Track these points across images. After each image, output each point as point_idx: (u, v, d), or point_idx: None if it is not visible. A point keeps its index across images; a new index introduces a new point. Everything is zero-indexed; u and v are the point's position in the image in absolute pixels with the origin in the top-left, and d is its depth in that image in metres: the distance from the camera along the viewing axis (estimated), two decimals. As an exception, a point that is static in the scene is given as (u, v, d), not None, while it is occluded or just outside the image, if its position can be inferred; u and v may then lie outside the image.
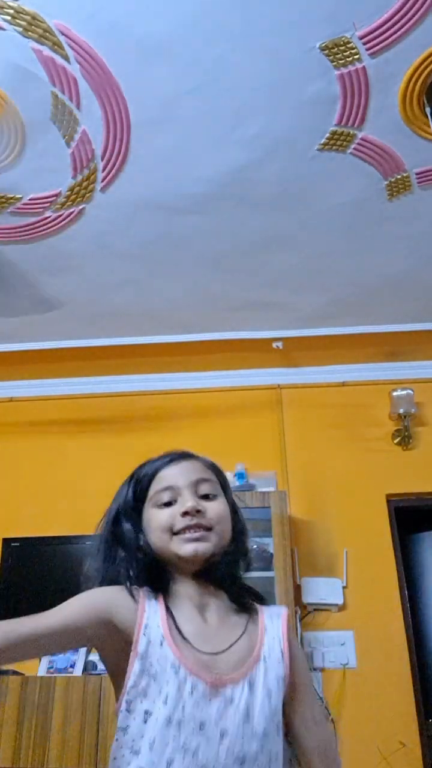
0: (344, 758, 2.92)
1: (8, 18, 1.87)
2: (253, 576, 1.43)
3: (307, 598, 3.02)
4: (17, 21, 1.87)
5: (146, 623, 1.00)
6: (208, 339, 3.33)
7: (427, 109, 2.13)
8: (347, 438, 3.45)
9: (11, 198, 2.46)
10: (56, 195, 2.45)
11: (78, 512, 3.31)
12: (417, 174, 2.40)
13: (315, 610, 3.05)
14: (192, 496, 1.09)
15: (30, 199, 2.47)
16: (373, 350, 3.49)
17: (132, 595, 1.04)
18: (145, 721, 0.94)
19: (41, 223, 2.58)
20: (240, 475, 3.22)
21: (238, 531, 1.14)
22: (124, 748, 0.96)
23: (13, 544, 3.20)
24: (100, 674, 2.74)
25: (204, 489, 1.11)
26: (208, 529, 1.07)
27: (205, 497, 1.10)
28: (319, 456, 3.41)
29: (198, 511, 1.07)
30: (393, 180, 2.43)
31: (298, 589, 3.01)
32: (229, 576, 1.11)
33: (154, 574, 1.07)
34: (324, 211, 2.58)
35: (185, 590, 1.08)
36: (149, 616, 1.01)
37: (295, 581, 2.95)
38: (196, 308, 3.16)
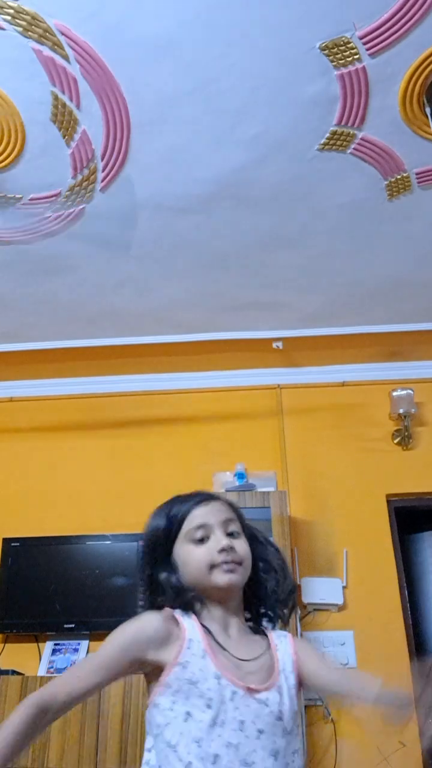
0: (344, 758, 2.92)
1: (8, 18, 1.87)
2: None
3: (307, 598, 3.02)
4: (17, 21, 1.87)
5: (189, 638, 1.18)
6: (208, 339, 3.32)
7: (427, 109, 2.13)
8: (347, 438, 3.45)
9: (11, 198, 2.46)
10: (56, 195, 2.45)
11: (78, 512, 3.32)
12: (417, 174, 2.41)
13: (315, 610, 3.05)
14: (223, 534, 1.28)
15: (30, 199, 2.47)
16: (373, 350, 3.49)
17: (173, 617, 1.21)
18: (186, 721, 1.11)
19: (41, 223, 2.58)
20: (240, 475, 3.22)
21: (264, 553, 1.35)
22: (164, 745, 1.12)
23: (13, 544, 3.19)
24: (100, 674, 2.74)
25: (231, 527, 1.30)
26: (239, 563, 1.26)
27: (231, 535, 1.29)
28: (319, 456, 3.41)
29: (231, 548, 1.26)
30: (393, 180, 2.43)
31: (298, 589, 3.01)
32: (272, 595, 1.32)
33: (186, 601, 1.25)
34: (324, 211, 2.58)
35: (212, 612, 1.26)
36: (190, 633, 1.19)
37: (295, 581, 2.95)
38: (196, 308, 3.16)
